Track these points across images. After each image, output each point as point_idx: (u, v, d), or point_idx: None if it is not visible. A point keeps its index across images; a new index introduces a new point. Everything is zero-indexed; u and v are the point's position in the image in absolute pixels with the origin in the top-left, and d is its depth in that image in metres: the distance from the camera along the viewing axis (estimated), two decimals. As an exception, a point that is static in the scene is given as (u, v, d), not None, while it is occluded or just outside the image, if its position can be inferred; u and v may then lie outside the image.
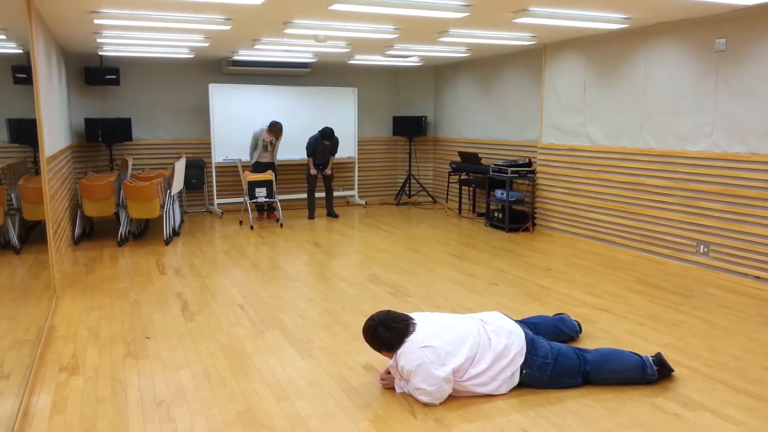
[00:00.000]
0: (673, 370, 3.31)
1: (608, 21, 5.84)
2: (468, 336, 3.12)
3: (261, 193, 8.08)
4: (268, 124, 8.56)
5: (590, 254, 6.48)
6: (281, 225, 8.23)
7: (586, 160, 7.14)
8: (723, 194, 5.60)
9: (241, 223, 8.41)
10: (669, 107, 6.08)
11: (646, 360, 3.27)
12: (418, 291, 5.08)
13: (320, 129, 8.64)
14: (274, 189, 8.23)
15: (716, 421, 2.87)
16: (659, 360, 3.29)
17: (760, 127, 5.25)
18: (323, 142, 8.62)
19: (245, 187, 8.12)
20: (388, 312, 3.18)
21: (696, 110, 5.81)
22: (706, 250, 5.79)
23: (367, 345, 3.21)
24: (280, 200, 8.74)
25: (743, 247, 5.45)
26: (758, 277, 5.32)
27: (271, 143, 8.64)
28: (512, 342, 3.16)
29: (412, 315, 3.21)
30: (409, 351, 3.01)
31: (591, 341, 3.85)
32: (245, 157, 8.94)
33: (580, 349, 3.30)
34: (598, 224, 7.01)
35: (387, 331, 3.08)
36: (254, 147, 8.63)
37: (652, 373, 3.23)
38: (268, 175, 8.26)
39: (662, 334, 4.00)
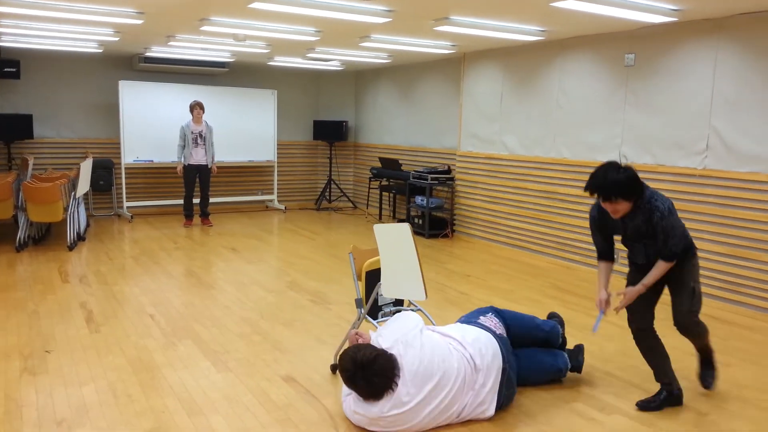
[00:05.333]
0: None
1: (525, 33, 5.99)
2: (446, 386, 2.83)
3: (386, 301, 3.65)
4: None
5: (508, 261, 6.61)
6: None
7: (503, 168, 7.30)
8: (631, 203, 5.85)
9: (334, 370, 3.44)
10: (581, 118, 6.31)
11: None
12: (340, 298, 4.99)
13: None
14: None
15: (631, 424, 2.96)
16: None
17: (665, 139, 5.53)
18: None
19: (360, 286, 3.58)
20: (375, 358, 2.73)
21: (606, 122, 6.06)
22: (616, 257, 6.02)
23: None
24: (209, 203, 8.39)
25: (649, 253, 5.71)
26: (663, 283, 5.58)
27: (200, 135, 7.97)
28: (493, 386, 2.96)
29: (394, 354, 2.80)
30: (384, 405, 2.73)
31: (510, 347, 3.89)
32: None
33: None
34: (515, 231, 7.18)
35: (365, 384, 2.72)
36: (182, 144, 7.94)
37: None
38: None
39: (577, 339, 4.10)
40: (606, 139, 6.06)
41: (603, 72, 6.05)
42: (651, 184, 5.62)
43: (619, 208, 2.98)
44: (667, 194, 5.51)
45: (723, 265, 5.17)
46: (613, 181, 2.91)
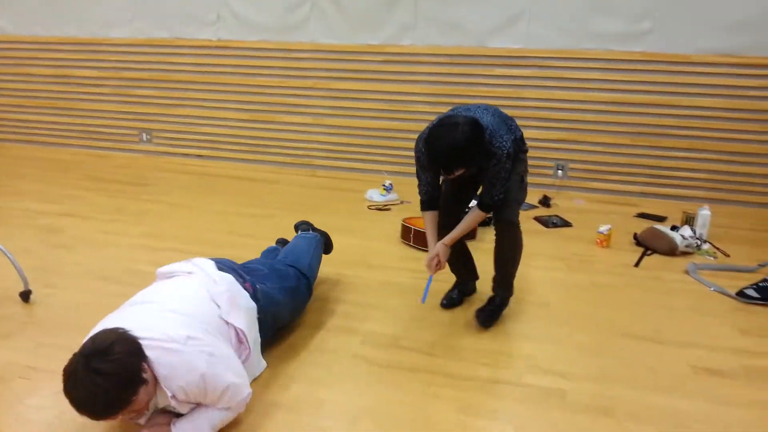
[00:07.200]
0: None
1: None
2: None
3: None
4: None
5: (29, 160, 5.79)
6: None
7: (-3, 52, 6.16)
8: (156, 80, 5.73)
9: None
10: (84, -9, 5.70)
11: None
12: None
13: None
14: None
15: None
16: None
17: (178, 11, 5.47)
18: None
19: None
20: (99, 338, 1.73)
21: (114, -6, 5.63)
22: (149, 137, 5.93)
23: None
24: None
25: (182, 129, 5.79)
26: (200, 156, 5.80)
27: None
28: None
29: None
30: (191, 368, 1.81)
31: (65, 251, 3.53)
32: None
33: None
34: (28, 126, 6.27)
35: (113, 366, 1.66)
36: None
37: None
38: None
39: (135, 225, 3.98)
40: (115, 12, 5.64)
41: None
42: (170, 59, 5.60)
43: (458, 174, 2.37)
44: (187, 68, 5.61)
45: (245, 130, 5.63)
46: (453, 158, 2.27)
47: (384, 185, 4.63)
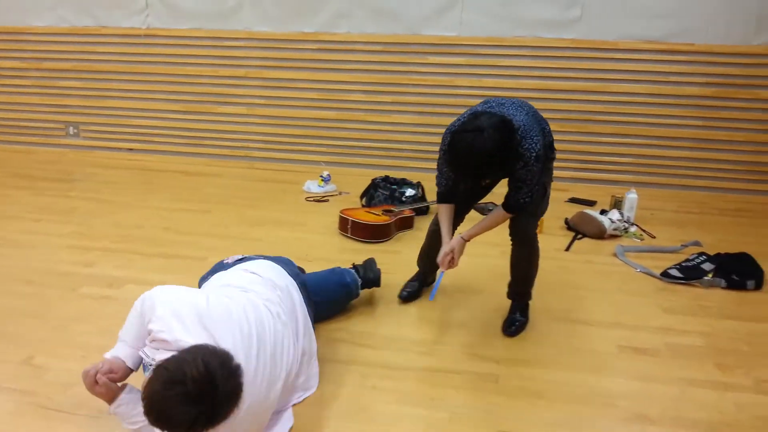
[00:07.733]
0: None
1: None
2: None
3: None
4: None
5: (-55, 156, 5.50)
6: None
7: None
8: (81, 71, 5.52)
9: None
10: (0, -23, 5.41)
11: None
12: None
13: None
14: None
15: (141, 288, 3.01)
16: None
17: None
18: None
19: None
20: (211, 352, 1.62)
21: (32, -19, 5.36)
22: (76, 131, 5.70)
23: None
24: None
25: (112, 122, 5.60)
26: (131, 149, 5.62)
27: None
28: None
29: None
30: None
31: (-13, 253, 3.37)
32: None
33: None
34: (-56, 120, 5.95)
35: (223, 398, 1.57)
36: None
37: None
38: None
39: (63, 224, 3.83)
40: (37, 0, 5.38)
41: None
42: (95, 49, 5.39)
43: (486, 183, 2.42)
44: (115, 57, 5.40)
45: (178, 122, 5.48)
46: (481, 165, 2.10)
47: (322, 176, 4.60)
